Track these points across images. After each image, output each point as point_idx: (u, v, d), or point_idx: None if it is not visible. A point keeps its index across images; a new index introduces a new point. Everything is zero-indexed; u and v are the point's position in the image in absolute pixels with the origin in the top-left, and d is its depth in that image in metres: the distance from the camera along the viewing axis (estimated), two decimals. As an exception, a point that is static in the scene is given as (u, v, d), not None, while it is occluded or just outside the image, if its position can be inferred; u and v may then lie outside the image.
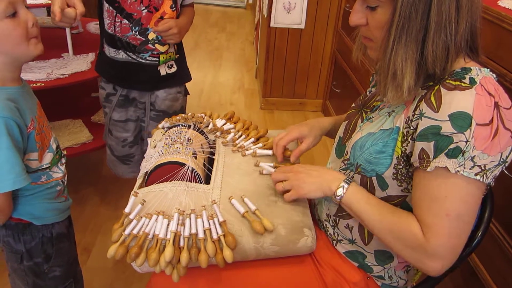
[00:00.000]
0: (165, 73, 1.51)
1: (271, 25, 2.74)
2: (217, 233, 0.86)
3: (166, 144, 1.03)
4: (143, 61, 1.44)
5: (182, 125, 1.12)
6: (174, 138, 1.05)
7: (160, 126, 1.21)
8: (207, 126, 1.18)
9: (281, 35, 2.80)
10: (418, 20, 0.73)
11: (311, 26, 2.78)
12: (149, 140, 1.16)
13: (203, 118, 1.20)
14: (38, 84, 1.68)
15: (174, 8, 1.38)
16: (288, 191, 0.94)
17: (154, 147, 1.09)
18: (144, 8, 1.33)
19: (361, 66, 2.15)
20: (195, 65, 3.78)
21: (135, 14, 1.34)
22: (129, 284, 1.66)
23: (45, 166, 1.03)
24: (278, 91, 3.04)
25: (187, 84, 1.66)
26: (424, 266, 0.78)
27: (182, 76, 1.60)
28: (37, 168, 1.01)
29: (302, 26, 2.77)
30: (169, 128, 1.14)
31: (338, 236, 0.98)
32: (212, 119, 1.22)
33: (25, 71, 1.78)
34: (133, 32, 1.39)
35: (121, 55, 1.43)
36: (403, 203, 0.86)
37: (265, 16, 2.87)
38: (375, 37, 0.81)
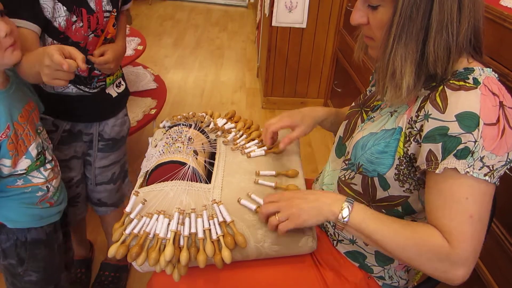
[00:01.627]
0: (116, 94, 1.35)
1: (272, 24, 2.74)
2: (216, 233, 0.85)
3: (167, 143, 1.02)
4: (95, 90, 1.28)
5: (183, 124, 1.12)
6: (175, 137, 1.04)
7: (161, 125, 1.20)
8: (208, 126, 1.18)
9: (283, 34, 2.80)
10: (419, 19, 0.72)
11: (312, 25, 2.78)
12: (150, 139, 1.16)
13: (204, 117, 1.20)
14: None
15: (116, 25, 1.25)
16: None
17: (155, 146, 1.09)
18: (91, 33, 1.19)
19: (362, 65, 2.14)
20: (197, 64, 3.77)
21: (82, 42, 1.18)
22: (130, 283, 1.66)
23: (20, 172, 1.00)
24: (279, 90, 3.04)
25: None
26: (448, 275, 0.74)
27: (126, 94, 1.42)
28: (10, 173, 0.98)
29: (304, 25, 2.76)
30: (170, 127, 1.14)
31: (338, 236, 0.97)
32: (213, 118, 1.21)
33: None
34: None
35: (71, 89, 1.24)
36: (405, 204, 0.85)
37: (267, 15, 2.86)
38: (376, 36, 0.81)
